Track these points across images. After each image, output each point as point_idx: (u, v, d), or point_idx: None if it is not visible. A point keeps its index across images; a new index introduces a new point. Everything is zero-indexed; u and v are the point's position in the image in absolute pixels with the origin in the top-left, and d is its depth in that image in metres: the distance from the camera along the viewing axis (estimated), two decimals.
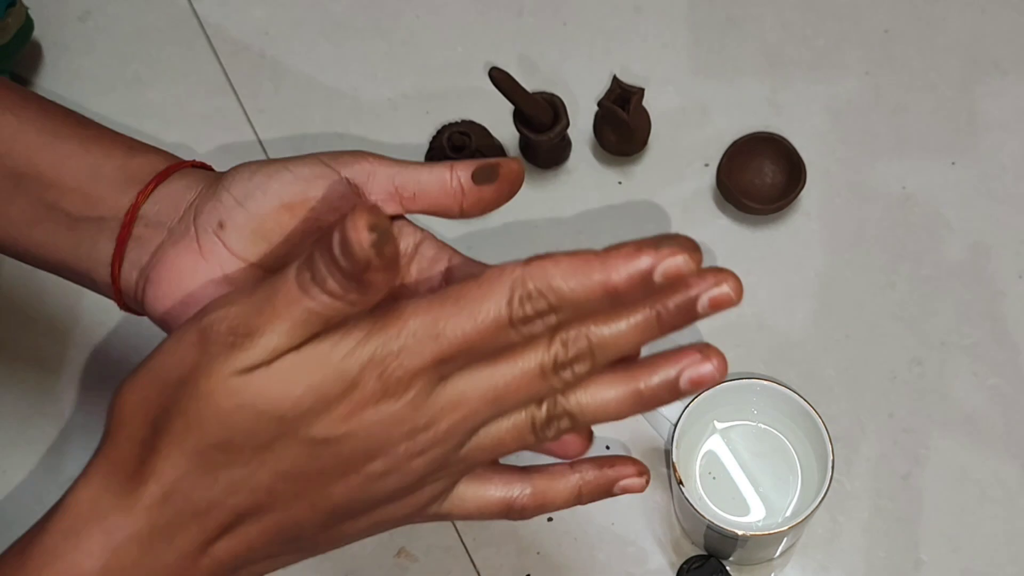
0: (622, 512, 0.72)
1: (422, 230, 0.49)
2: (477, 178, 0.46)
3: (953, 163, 0.80)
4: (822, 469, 0.64)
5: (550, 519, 0.72)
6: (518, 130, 0.77)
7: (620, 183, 0.80)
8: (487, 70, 0.71)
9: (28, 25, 0.83)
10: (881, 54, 0.83)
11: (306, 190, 0.46)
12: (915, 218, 0.78)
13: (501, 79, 0.71)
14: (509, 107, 0.75)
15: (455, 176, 0.46)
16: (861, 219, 0.79)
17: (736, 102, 0.82)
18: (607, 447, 0.73)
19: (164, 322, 0.47)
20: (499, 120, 0.78)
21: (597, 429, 0.75)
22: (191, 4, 0.87)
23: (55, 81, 0.85)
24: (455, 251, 0.49)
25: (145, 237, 0.48)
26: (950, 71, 0.82)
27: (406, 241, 0.48)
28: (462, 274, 0.48)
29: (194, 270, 0.46)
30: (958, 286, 0.76)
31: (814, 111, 0.81)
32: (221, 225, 0.46)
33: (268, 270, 0.47)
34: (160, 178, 0.49)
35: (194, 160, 0.51)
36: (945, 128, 0.81)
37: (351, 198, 0.46)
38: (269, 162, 0.47)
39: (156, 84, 0.85)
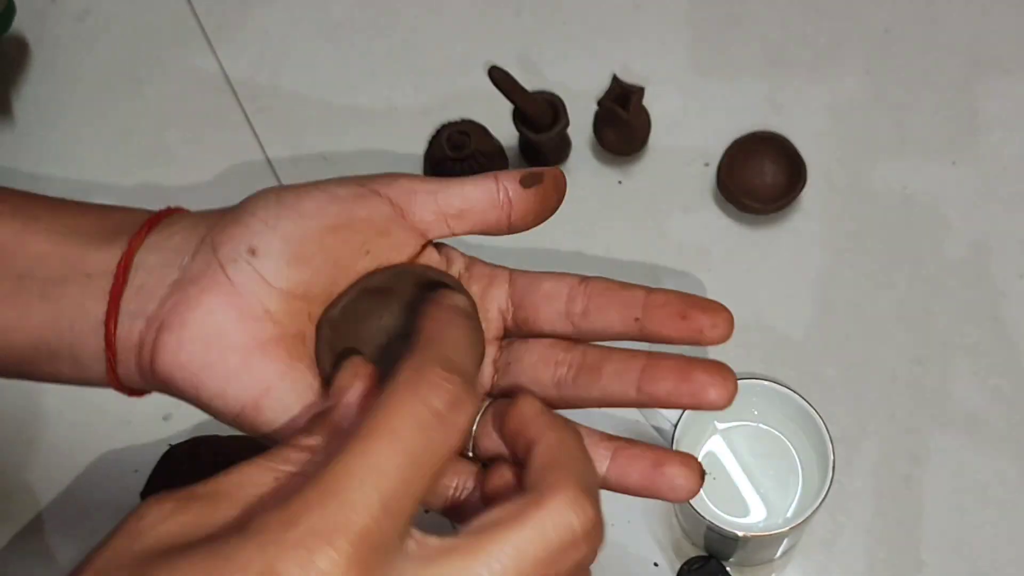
0: (622, 513, 0.72)
1: (466, 256, 0.46)
2: (525, 182, 0.43)
3: (954, 163, 0.80)
4: (823, 470, 0.64)
5: None
6: (518, 129, 0.77)
7: (620, 182, 0.80)
8: (487, 69, 0.71)
9: (9, 11, 0.81)
10: (882, 53, 0.83)
11: (349, 209, 0.41)
12: (916, 218, 0.78)
13: (501, 78, 0.71)
14: (509, 106, 0.75)
15: (502, 186, 0.43)
16: (862, 219, 0.78)
17: (736, 101, 0.82)
18: None
19: (185, 376, 0.40)
20: (499, 119, 0.77)
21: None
22: (190, 3, 0.87)
23: (51, 81, 0.85)
24: (511, 270, 0.46)
25: (148, 285, 0.41)
26: (951, 70, 0.82)
27: (457, 265, 0.45)
28: (526, 288, 0.45)
29: (227, 307, 0.40)
30: (959, 286, 0.76)
31: (815, 110, 0.81)
32: (253, 252, 0.40)
33: (312, 301, 0.41)
34: (153, 222, 0.43)
35: (181, 208, 0.45)
36: (946, 128, 0.81)
37: (396, 220, 0.42)
38: (294, 185, 0.43)
39: (154, 83, 0.85)
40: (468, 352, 0.37)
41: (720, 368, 0.41)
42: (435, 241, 0.45)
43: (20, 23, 0.85)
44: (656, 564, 0.71)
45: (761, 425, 0.68)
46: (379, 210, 0.42)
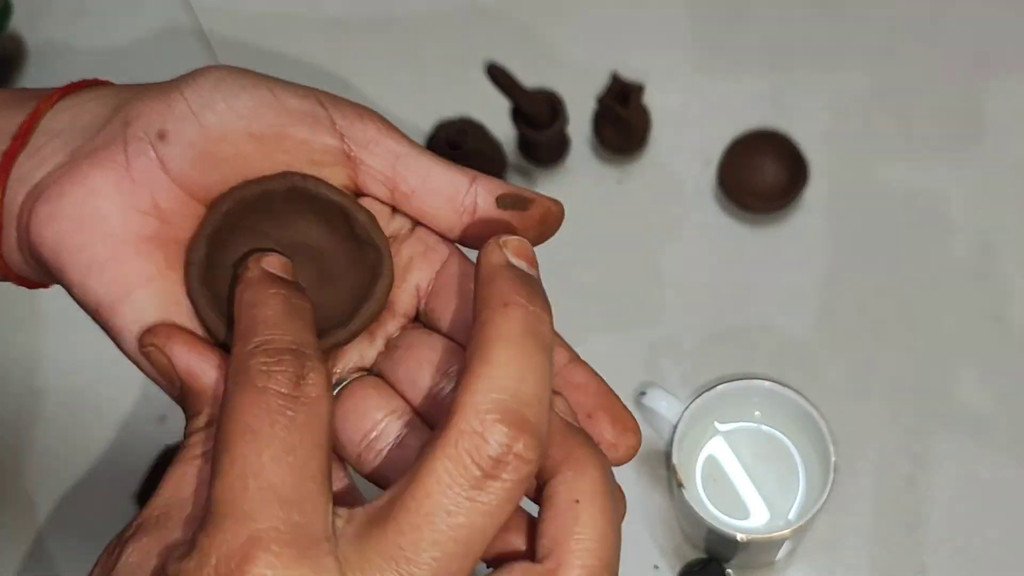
0: None
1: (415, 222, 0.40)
2: (503, 202, 0.37)
3: (958, 162, 0.79)
4: (825, 471, 0.64)
5: None
6: (516, 127, 0.76)
7: (619, 181, 0.80)
8: (485, 66, 0.70)
9: (6, 8, 0.82)
10: (885, 51, 0.83)
11: (287, 124, 0.36)
12: (919, 217, 0.78)
13: (499, 75, 0.70)
14: (507, 104, 0.74)
15: (473, 190, 0.37)
16: (865, 218, 0.78)
17: (738, 99, 0.81)
18: None
19: (49, 254, 0.36)
20: (497, 117, 0.77)
21: None
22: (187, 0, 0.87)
23: (48, 78, 0.85)
24: (457, 249, 0.39)
25: (47, 150, 0.37)
26: (955, 68, 0.82)
27: (402, 220, 0.39)
28: (449, 281, 0.38)
29: (113, 190, 0.35)
30: (963, 286, 0.76)
31: (817, 108, 0.81)
32: (162, 135, 0.36)
33: (209, 207, 0.37)
34: (72, 88, 0.39)
35: (109, 81, 0.41)
36: (950, 126, 0.80)
37: (337, 157, 0.37)
38: (248, 73, 0.37)
39: (150, 81, 0.84)
40: (287, 327, 0.33)
41: (625, 420, 0.37)
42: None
43: (16, 20, 0.85)
44: (656, 567, 0.70)
45: (763, 426, 0.68)
46: (322, 140, 0.37)
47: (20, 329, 0.78)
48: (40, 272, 0.38)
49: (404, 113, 0.83)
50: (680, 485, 0.63)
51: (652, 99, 0.79)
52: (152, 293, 0.36)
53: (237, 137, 0.36)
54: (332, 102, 0.37)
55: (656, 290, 0.77)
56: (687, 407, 0.64)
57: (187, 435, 0.35)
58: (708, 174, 0.79)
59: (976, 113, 0.81)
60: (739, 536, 0.63)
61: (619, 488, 0.34)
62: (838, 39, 0.83)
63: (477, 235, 0.37)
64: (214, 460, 0.31)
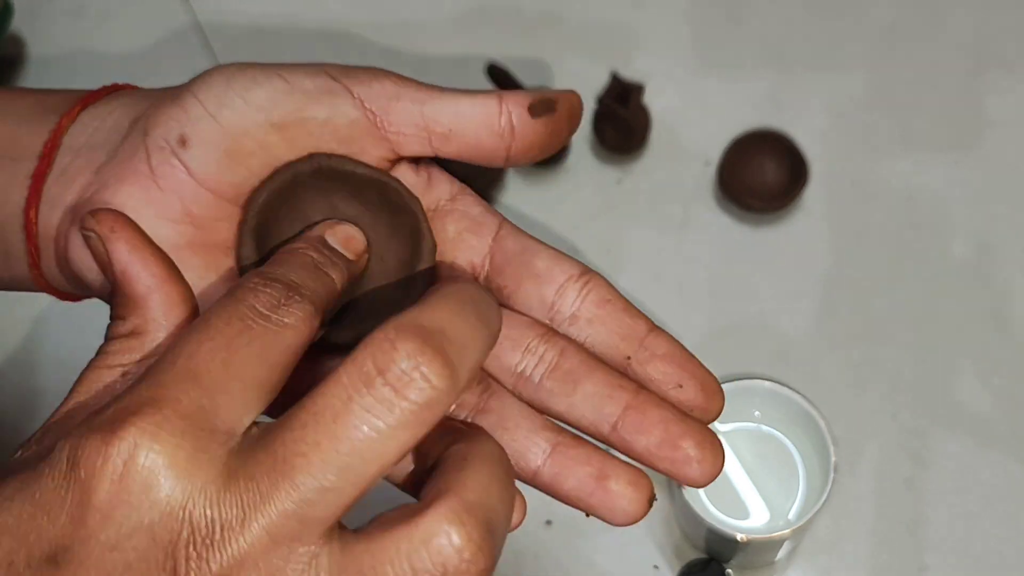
0: None
1: (458, 182, 0.39)
2: (535, 110, 0.36)
3: (957, 161, 0.79)
4: (824, 471, 0.64)
5: (549, 522, 0.72)
6: None
7: (619, 181, 0.80)
8: (485, 66, 0.70)
9: (8, 10, 0.82)
10: (885, 50, 0.83)
11: (304, 107, 0.36)
12: (919, 216, 0.78)
13: (499, 75, 0.70)
14: None
15: (505, 110, 0.36)
16: (864, 217, 0.78)
17: (737, 99, 0.81)
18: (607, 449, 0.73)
19: (94, 277, 0.36)
20: None
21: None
22: (187, 1, 0.87)
23: (48, 79, 0.85)
24: (504, 219, 0.38)
25: (73, 169, 0.36)
26: (954, 67, 0.82)
27: (439, 191, 0.38)
28: (515, 254, 0.38)
29: (143, 204, 0.35)
30: (962, 285, 0.76)
31: (817, 108, 0.81)
32: (183, 141, 0.35)
33: (243, 206, 0.37)
34: (91, 98, 0.38)
35: (129, 85, 0.41)
36: (949, 125, 0.80)
37: (365, 127, 0.36)
38: (255, 65, 0.37)
39: (150, 81, 0.84)
40: (299, 273, 0.33)
41: (711, 442, 0.36)
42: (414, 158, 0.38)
43: (17, 22, 0.85)
44: (656, 567, 0.70)
45: (762, 427, 0.68)
46: (344, 112, 0.36)
47: (20, 329, 0.78)
48: (80, 289, 0.38)
49: None
50: (680, 485, 0.63)
51: (652, 99, 0.79)
52: (199, 303, 0.35)
53: (258, 130, 0.35)
54: (343, 73, 0.36)
55: (656, 290, 0.77)
56: None
57: (107, 338, 0.33)
58: (708, 174, 0.79)
59: (975, 113, 0.80)
60: (739, 536, 0.63)
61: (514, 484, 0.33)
62: (838, 39, 0.83)
63: (521, 153, 0.37)
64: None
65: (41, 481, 0.28)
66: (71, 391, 0.32)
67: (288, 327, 0.31)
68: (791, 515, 0.66)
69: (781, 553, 0.68)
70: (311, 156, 0.36)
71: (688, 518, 0.66)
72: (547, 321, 0.38)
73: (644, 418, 0.36)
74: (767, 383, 0.65)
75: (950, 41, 0.83)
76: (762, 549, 0.66)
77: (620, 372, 0.37)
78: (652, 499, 0.36)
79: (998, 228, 0.77)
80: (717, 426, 0.67)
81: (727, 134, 0.79)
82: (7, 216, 0.37)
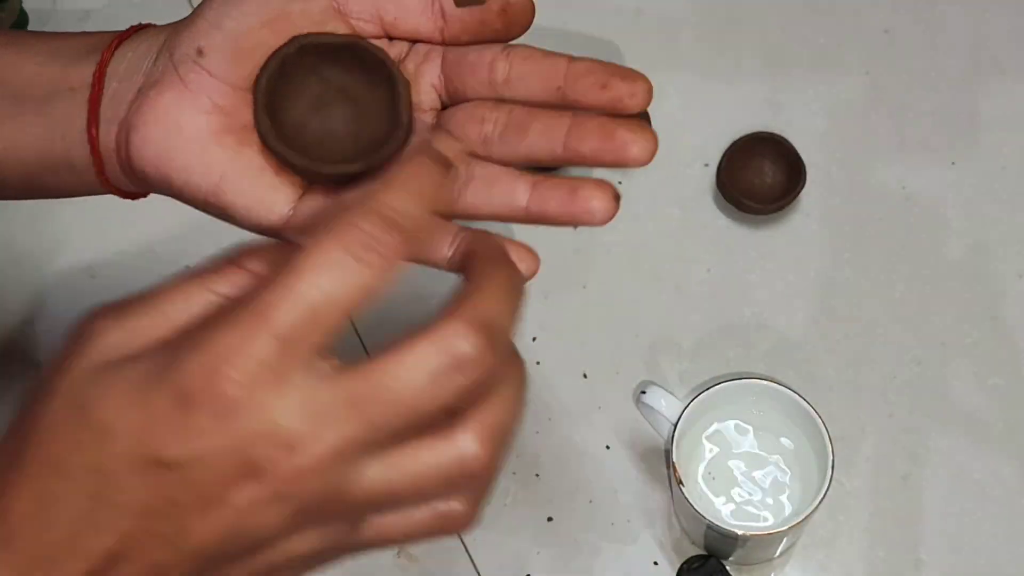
0: (622, 512, 0.72)
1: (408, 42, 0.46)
2: (459, 1, 0.44)
3: (953, 163, 0.80)
4: (822, 469, 0.64)
5: (550, 519, 0.72)
6: None
7: (619, 183, 0.80)
8: None
9: (22, 21, 0.83)
10: (881, 54, 0.83)
11: (285, 4, 0.44)
12: (915, 218, 0.78)
13: None
14: None
15: (437, 1, 0.44)
16: (861, 219, 0.78)
17: (736, 102, 0.82)
18: (607, 446, 0.73)
19: (154, 171, 0.44)
20: None
21: (596, 430, 0.75)
22: (190, 3, 0.87)
23: None
24: (446, 47, 0.46)
25: (120, 92, 0.45)
26: (950, 71, 0.82)
27: (398, 47, 0.46)
28: (455, 61, 0.45)
29: (180, 104, 0.44)
30: (958, 286, 0.76)
31: (814, 111, 0.81)
32: (200, 52, 0.43)
33: (252, 90, 0.44)
34: (125, 35, 0.47)
35: (151, 23, 0.49)
36: (945, 128, 0.81)
37: (332, 13, 0.44)
38: None
39: None
40: (416, 203, 0.36)
41: (642, 126, 0.43)
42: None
43: (30, 27, 0.85)
44: (656, 563, 0.71)
45: (761, 425, 0.68)
46: (315, 3, 0.44)
47: (20, 325, 0.78)
48: (145, 186, 0.46)
49: None
50: (680, 483, 0.63)
51: (652, 101, 0.79)
52: (240, 169, 0.44)
53: (253, 31, 0.43)
54: None
55: (655, 290, 0.77)
56: (686, 406, 0.65)
57: (224, 264, 0.36)
58: (707, 176, 0.79)
59: (972, 115, 0.81)
60: (738, 533, 0.63)
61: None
62: (835, 42, 0.84)
63: (457, 35, 0.44)
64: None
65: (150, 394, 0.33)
66: (159, 288, 0.36)
67: (377, 272, 0.34)
68: (788, 512, 0.67)
69: (779, 549, 0.68)
70: (293, 39, 0.44)
71: (687, 515, 0.66)
72: (494, 95, 0.45)
73: (584, 128, 0.43)
74: (765, 382, 0.66)
75: (947, 45, 0.83)
76: (761, 545, 0.66)
77: (558, 106, 0.44)
78: (617, 197, 0.43)
79: (993, 229, 0.78)
80: (717, 425, 0.68)
81: (726, 136, 0.79)
82: (73, 136, 0.46)
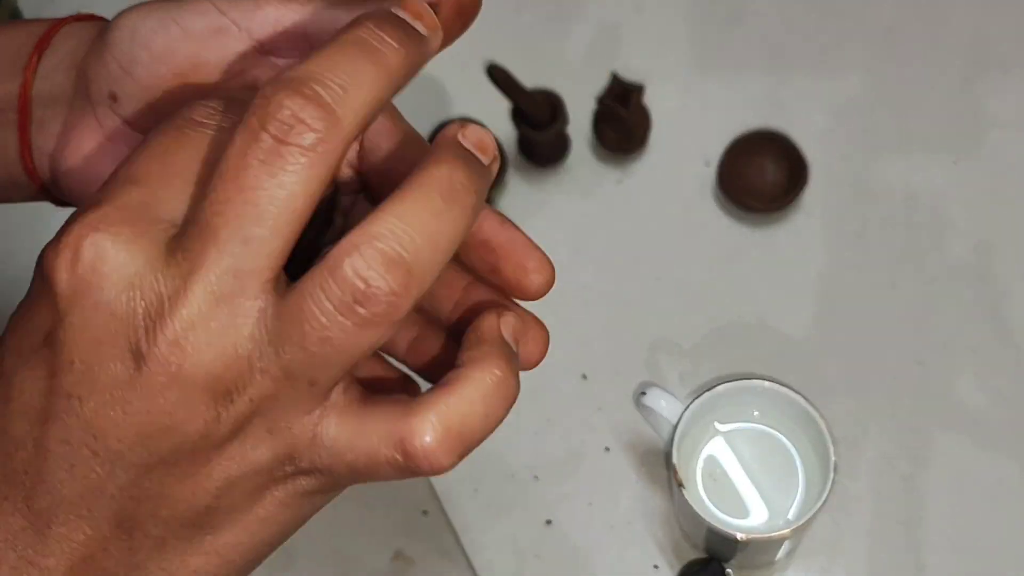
0: (622, 515, 0.72)
1: None
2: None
3: (956, 161, 0.79)
4: (824, 471, 0.64)
5: (548, 522, 0.72)
6: (516, 127, 0.76)
7: (619, 181, 0.80)
8: (485, 66, 0.70)
9: (16, 15, 0.82)
10: (884, 51, 0.83)
11: (198, 52, 0.38)
12: (918, 217, 0.78)
13: (499, 75, 0.71)
14: (507, 104, 0.74)
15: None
16: (864, 218, 0.78)
17: (737, 99, 0.81)
18: (607, 448, 0.73)
19: (76, 200, 0.42)
20: (497, 117, 0.77)
21: (595, 432, 0.75)
22: None
23: None
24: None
25: (46, 120, 0.41)
26: (953, 69, 0.82)
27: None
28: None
29: (102, 153, 0.40)
30: (961, 286, 0.76)
31: (816, 109, 0.81)
32: (114, 97, 0.39)
33: None
34: (41, 46, 0.42)
35: (79, 13, 0.43)
36: (948, 126, 0.80)
37: (254, 59, 0.38)
38: (155, 8, 0.39)
39: None
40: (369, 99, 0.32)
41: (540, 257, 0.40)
42: None
43: None
44: (656, 566, 0.71)
45: (762, 426, 0.68)
46: (233, 49, 0.38)
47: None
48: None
49: (403, 113, 0.83)
50: (680, 485, 0.63)
51: (652, 99, 0.79)
52: None
53: (166, 81, 0.38)
54: (228, 3, 0.38)
55: (656, 290, 0.77)
56: (687, 407, 0.64)
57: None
58: (708, 174, 0.79)
59: (974, 114, 0.81)
60: (739, 535, 0.63)
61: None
62: (837, 40, 0.83)
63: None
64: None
65: (31, 291, 0.33)
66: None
67: (224, 130, 0.32)
68: (790, 514, 0.66)
69: (781, 552, 0.68)
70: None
71: (688, 518, 0.66)
72: None
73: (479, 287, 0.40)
74: (766, 383, 0.66)
75: (949, 42, 0.83)
76: (762, 548, 0.66)
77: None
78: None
79: (997, 228, 0.77)
80: (718, 426, 0.68)
81: (727, 135, 0.79)
82: (12, 156, 0.42)
